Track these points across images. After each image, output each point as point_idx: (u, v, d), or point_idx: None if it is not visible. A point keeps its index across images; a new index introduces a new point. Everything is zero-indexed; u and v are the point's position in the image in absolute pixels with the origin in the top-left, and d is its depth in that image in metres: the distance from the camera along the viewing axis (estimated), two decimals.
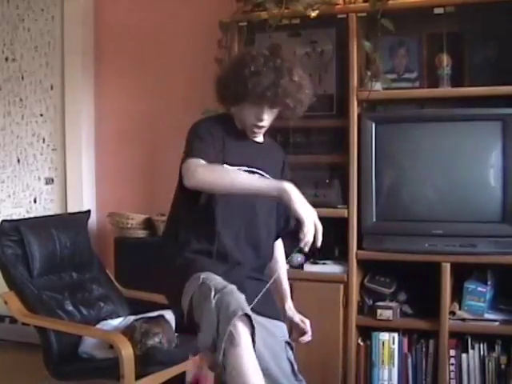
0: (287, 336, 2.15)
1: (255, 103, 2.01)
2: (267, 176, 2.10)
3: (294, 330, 2.22)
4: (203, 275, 1.87)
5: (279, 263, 2.33)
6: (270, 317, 2.09)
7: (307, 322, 2.21)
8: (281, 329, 2.13)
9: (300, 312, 3.04)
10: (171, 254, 2.06)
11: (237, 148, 2.05)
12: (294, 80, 2.02)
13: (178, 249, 2.04)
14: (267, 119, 2.06)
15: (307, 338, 2.21)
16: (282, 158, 2.29)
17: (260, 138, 2.17)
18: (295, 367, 2.10)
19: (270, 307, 2.12)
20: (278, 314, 2.17)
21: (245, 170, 2.01)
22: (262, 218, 2.11)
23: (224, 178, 1.90)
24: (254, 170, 2.06)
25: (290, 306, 2.26)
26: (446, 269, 2.82)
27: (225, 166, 1.97)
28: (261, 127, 2.07)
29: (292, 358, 2.12)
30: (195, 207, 2.03)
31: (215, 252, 2.00)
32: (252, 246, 2.09)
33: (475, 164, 2.89)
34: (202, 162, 1.93)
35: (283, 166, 2.27)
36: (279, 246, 2.35)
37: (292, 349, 2.14)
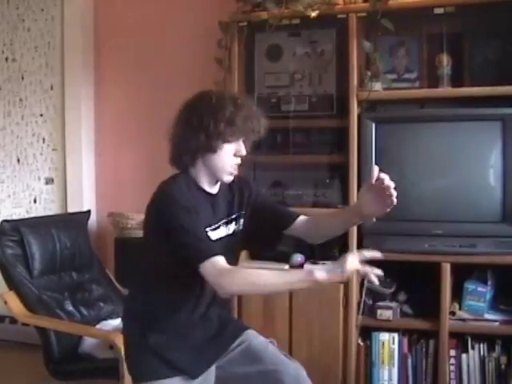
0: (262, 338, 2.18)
1: (236, 139, 1.96)
2: (237, 215, 2.08)
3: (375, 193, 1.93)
4: None
5: (315, 219, 2.16)
6: (243, 331, 2.13)
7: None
8: (256, 332, 2.17)
9: (300, 312, 3.06)
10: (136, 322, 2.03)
11: (205, 210, 1.98)
12: (256, 108, 2.02)
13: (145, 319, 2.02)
14: (245, 153, 2.02)
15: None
16: (244, 184, 2.17)
17: (215, 189, 2.07)
18: (287, 355, 2.15)
19: (239, 324, 2.21)
20: (244, 324, 2.23)
21: (212, 229, 1.97)
22: None
23: (255, 284, 1.84)
24: (223, 222, 2.03)
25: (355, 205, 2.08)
26: (446, 269, 2.82)
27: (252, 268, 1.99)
28: (238, 165, 2.02)
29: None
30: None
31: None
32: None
33: (475, 164, 2.89)
34: (218, 261, 1.82)
35: (249, 193, 2.14)
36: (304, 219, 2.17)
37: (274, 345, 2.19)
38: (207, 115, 1.94)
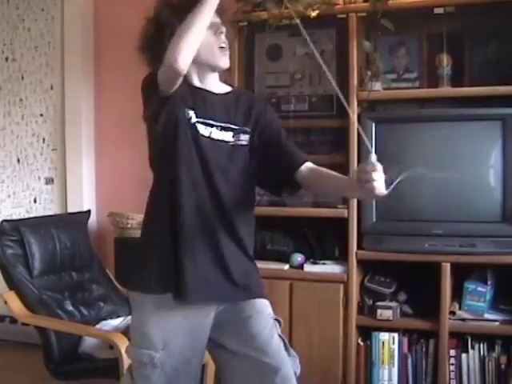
0: (272, 312, 2.07)
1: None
2: (237, 128, 2.00)
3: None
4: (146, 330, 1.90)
5: (318, 170, 2.09)
6: (255, 297, 2.03)
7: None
8: (266, 306, 2.06)
9: (300, 312, 3.05)
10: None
11: (189, 99, 1.96)
12: None
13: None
14: (225, 30, 2.00)
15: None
16: (257, 103, 2.10)
17: (223, 88, 2.06)
18: (287, 343, 2.04)
19: (256, 287, 2.06)
20: (262, 291, 2.08)
21: (201, 122, 1.95)
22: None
23: (183, 35, 1.84)
24: (217, 124, 1.98)
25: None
26: (446, 269, 2.82)
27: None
28: (226, 44, 1.99)
29: (281, 333, 2.05)
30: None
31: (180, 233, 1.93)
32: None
33: (475, 164, 2.89)
34: None
35: (263, 111, 2.08)
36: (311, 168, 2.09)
37: (280, 324, 2.06)
38: (162, 15, 2.11)
